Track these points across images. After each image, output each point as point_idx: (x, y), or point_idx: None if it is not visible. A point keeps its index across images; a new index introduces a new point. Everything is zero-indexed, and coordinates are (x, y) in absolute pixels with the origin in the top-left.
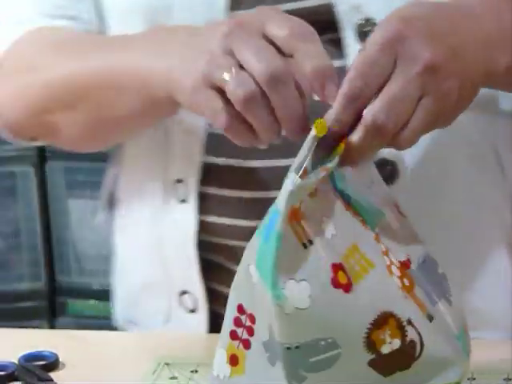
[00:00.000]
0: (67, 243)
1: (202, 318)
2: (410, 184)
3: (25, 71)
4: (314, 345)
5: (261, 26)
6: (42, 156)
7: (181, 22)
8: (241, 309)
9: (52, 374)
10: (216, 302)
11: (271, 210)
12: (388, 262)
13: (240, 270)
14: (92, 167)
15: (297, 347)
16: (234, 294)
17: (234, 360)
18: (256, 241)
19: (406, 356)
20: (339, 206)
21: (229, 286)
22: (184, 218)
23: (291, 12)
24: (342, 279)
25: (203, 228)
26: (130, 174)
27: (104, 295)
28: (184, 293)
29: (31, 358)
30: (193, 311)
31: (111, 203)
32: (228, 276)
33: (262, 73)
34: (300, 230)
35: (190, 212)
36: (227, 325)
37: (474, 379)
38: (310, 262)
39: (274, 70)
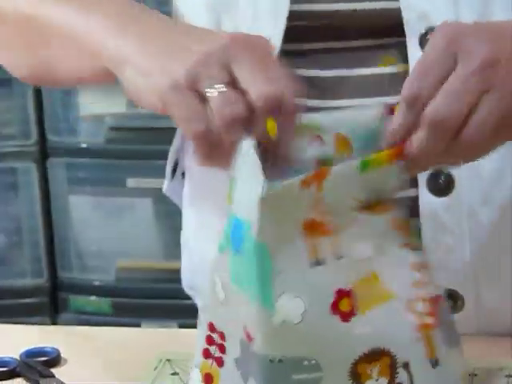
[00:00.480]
0: (69, 240)
1: None
2: (465, 196)
3: None
4: (297, 362)
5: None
6: (43, 152)
7: (244, 15)
8: (212, 327)
9: (54, 370)
10: None
11: (232, 220)
12: (413, 297)
13: (207, 290)
14: (94, 163)
15: (280, 361)
16: (204, 313)
17: (208, 379)
18: (223, 257)
19: None
20: (388, 222)
21: None
22: None
23: (360, 12)
24: (344, 307)
25: None
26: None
27: (105, 291)
28: None
29: (33, 354)
30: None
31: (175, 173)
32: None
33: (264, 95)
34: (313, 247)
35: None
36: (200, 343)
37: (476, 375)
38: (313, 281)
39: (275, 93)
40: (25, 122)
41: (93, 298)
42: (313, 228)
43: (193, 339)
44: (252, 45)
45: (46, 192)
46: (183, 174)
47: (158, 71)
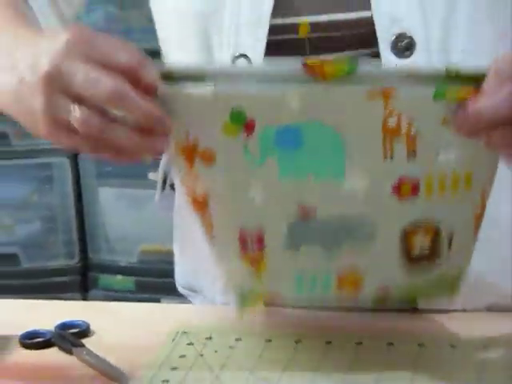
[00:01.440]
0: (98, 226)
1: None
2: (426, 55)
3: None
4: (357, 223)
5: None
6: None
7: (229, 27)
8: (243, 238)
9: (84, 341)
10: None
11: (270, 131)
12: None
13: (230, 201)
14: None
15: (343, 221)
16: (228, 233)
17: (254, 262)
18: (263, 166)
19: (433, 254)
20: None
21: None
22: None
23: (332, 24)
24: (405, 191)
25: None
26: None
27: (130, 271)
28: None
29: (65, 326)
30: None
31: (165, 184)
32: None
33: (102, 98)
34: (388, 143)
35: None
36: (235, 255)
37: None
38: (381, 167)
39: (110, 89)
40: None
41: (119, 276)
42: (391, 130)
43: (206, 314)
44: (72, 54)
45: (78, 184)
46: (173, 186)
47: (19, 109)
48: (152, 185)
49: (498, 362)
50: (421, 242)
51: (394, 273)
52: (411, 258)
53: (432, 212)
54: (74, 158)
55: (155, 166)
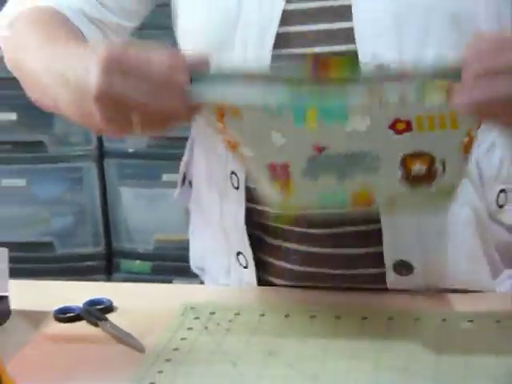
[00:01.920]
0: (120, 219)
1: (251, 272)
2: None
3: (20, 48)
4: (364, 157)
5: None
6: (101, 155)
7: (238, 56)
8: (273, 166)
9: (108, 315)
10: (261, 263)
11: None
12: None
13: (257, 146)
14: (138, 163)
15: (352, 155)
16: (259, 163)
17: (283, 186)
18: (282, 115)
19: (430, 176)
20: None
21: (268, 255)
22: (237, 201)
23: (328, 54)
24: (400, 127)
25: (253, 212)
26: (200, 162)
27: (147, 257)
28: (239, 253)
29: (92, 303)
30: (245, 267)
31: (184, 182)
32: (268, 247)
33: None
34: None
35: (240, 197)
36: (266, 180)
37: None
38: (378, 112)
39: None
40: (87, 132)
41: (137, 261)
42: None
43: (210, 293)
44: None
45: (103, 185)
46: (190, 183)
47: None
48: (165, 185)
49: (454, 332)
50: (418, 169)
51: (398, 190)
52: (411, 178)
53: (425, 144)
54: (100, 163)
55: (167, 169)
